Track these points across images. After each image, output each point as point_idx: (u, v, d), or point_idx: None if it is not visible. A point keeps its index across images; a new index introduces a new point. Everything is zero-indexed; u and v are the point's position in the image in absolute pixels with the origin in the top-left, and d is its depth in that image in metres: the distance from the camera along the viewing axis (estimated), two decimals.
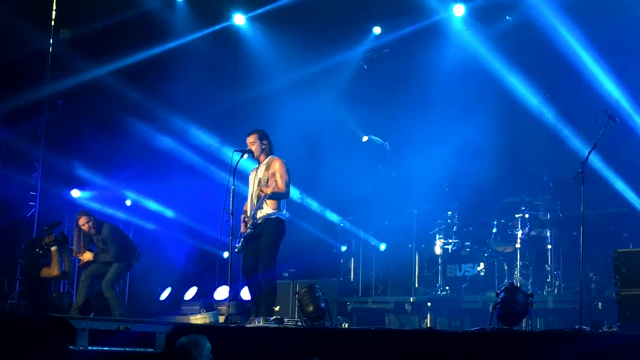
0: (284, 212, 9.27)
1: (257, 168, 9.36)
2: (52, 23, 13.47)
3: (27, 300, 11.05)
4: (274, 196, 9.03)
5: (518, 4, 12.50)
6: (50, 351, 7.07)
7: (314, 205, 13.92)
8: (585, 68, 11.84)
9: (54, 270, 10.25)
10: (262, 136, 9.38)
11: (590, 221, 10.54)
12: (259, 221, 9.09)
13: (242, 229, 9.23)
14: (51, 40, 13.47)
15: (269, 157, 9.35)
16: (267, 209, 9.09)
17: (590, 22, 11.89)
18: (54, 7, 13.41)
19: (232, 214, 9.10)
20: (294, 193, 12.77)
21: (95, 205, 14.57)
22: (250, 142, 9.35)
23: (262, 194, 9.00)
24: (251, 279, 9.16)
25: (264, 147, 9.35)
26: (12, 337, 7.27)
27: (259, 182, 9.18)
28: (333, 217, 14.12)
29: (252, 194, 9.28)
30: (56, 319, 7.29)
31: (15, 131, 13.49)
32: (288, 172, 9.22)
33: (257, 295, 9.16)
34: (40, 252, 10.25)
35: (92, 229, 10.92)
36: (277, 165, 9.20)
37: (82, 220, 10.87)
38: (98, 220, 11.14)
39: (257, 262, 9.11)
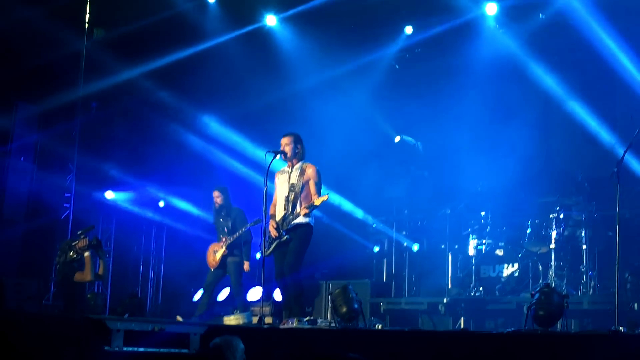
0: (313, 219, 9.32)
1: (289, 172, 9.34)
2: (86, 25, 13.57)
3: (62, 302, 11.16)
4: (315, 207, 9.06)
5: (551, 2, 12.41)
6: (87, 352, 7.14)
7: (347, 205, 13.90)
8: (620, 66, 11.72)
9: (87, 276, 10.32)
10: (297, 140, 9.39)
11: (626, 221, 10.41)
12: (291, 227, 9.12)
13: (274, 233, 9.24)
14: (85, 42, 13.56)
15: (302, 162, 9.36)
16: (301, 217, 9.12)
17: (625, 20, 11.76)
18: (88, 9, 13.51)
19: (264, 215, 9.16)
20: (335, 198, 12.81)
21: (128, 207, 14.72)
22: (285, 144, 9.35)
23: (305, 210, 8.99)
24: (282, 280, 9.21)
25: (297, 150, 9.36)
26: (48, 338, 7.35)
27: (292, 186, 9.19)
28: (366, 217, 14.09)
29: (285, 197, 9.26)
30: (92, 320, 7.37)
31: (50, 133, 13.63)
32: (321, 179, 9.31)
33: (287, 297, 9.22)
34: (75, 256, 10.33)
35: None
36: (311, 173, 9.25)
37: None
38: None
39: (285, 265, 9.17)
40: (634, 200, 11.50)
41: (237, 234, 11.60)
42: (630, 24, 11.77)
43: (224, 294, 13.25)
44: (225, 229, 11.70)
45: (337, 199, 13.64)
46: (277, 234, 9.21)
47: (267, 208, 9.22)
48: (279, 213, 9.30)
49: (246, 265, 11.68)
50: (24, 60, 12.90)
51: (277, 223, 9.26)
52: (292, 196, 9.17)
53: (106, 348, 7.14)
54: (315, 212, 9.35)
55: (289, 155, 9.32)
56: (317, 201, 9.00)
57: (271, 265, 9.58)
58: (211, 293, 11.73)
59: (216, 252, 11.66)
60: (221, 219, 11.81)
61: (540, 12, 12.74)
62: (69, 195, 13.59)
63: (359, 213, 14.07)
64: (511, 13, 12.99)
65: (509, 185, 12.69)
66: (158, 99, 14.44)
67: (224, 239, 11.67)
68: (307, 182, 9.19)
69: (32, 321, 7.81)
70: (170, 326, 7.94)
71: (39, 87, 13.36)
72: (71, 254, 10.34)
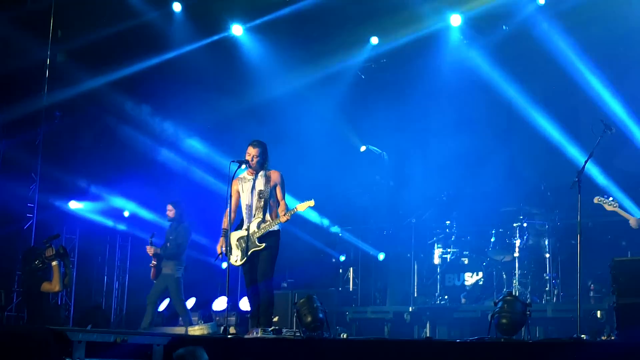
0: (280, 224, 9.29)
1: (253, 179, 9.29)
2: (50, 34, 13.46)
3: (25, 313, 11.03)
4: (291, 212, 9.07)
5: (514, 13, 12.55)
6: None
7: (312, 215, 13.90)
8: (582, 77, 11.88)
9: (55, 286, 10.20)
10: (264, 150, 9.36)
11: (588, 230, 10.55)
12: (264, 234, 9.10)
13: (218, 250, 9.24)
14: (49, 51, 13.46)
15: (267, 169, 9.34)
16: (270, 223, 9.10)
17: (587, 32, 11.92)
18: (52, 19, 13.40)
19: (229, 223, 9.17)
20: (308, 212, 12.80)
21: (92, 217, 14.58)
22: (252, 153, 9.30)
23: (287, 217, 9.00)
24: (253, 288, 9.17)
25: (263, 159, 9.33)
26: (9, 350, 7.26)
27: (260, 193, 9.16)
28: (332, 227, 14.10)
29: (248, 205, 9.23)
30: (53, 331, 7.29)
31: (13, 143, 13.46)
32: (284, 184, 9.30)
33: (256, 306, 9.17)
34: (40, 265, 10.20)
35: None
36: (277, 178, 9.26)
37: None
38: None
39: (258, 273, 9.13)
40: (596, 210, 11.63)
41: (165, 246, 11.63)
42: (591, 35, 11.92)
43: (189, 304, 13.20)
44: (165, 240, 11.74)
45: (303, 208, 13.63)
46: (220, 252, 9.20)
47: (230, 217, 9.23)
48: (245, 221, 9.25)
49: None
50: None
51: (229, 235, 9.22)
52: (262, 203, 9.14)
53: None
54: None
55: (254, 164, 9.27)
56: (302, 207, 9.05)
57: (235, 275, 9.54)
58: (154, 306, 11.64)
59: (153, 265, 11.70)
60: (169, 231, 11.84)
61: (504, 23, 12.88)
62: (32, 205, 13.44)
63: (325, 222, 14.08)
64: (475, 24, 13.11)
65: (474, 195, 12.80)
66: (123, 109, 14.34)
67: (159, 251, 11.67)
68: (274, 187, 9.22)
69: None
70: (133, 337, 7.87)
71: (2, 95, 13.21)
72: (36, 262, 10.21)
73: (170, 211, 11.82)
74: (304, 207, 9.08)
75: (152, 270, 11.68)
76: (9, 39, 12.61)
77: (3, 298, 11.25)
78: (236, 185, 9.34)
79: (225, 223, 9.33)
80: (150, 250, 11.65)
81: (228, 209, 9.34)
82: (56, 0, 13.37)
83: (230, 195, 9.26)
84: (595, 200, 9.82)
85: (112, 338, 7.56)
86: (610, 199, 9.90)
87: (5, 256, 12.92)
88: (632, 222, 9.91)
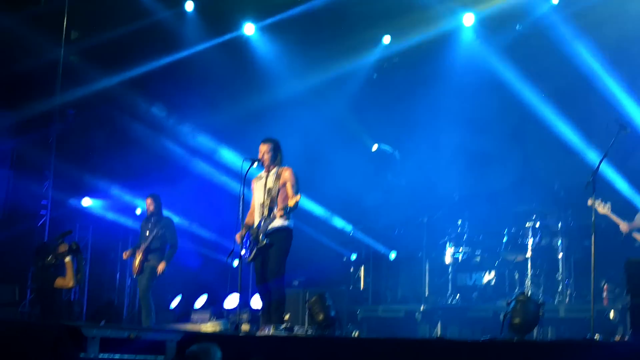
0: (292, 222, 9.23)
1: (266, 177, 9.29)
2: (64, 33, 13.52)
3: (39, 309, 11.07)
4: (291, 210, 8.98)
5: (527, 13, 12.52)
6: (63, 359, 7.10)
7: (324, 213, 13.92)
8: (596, 77, 11.83)
9: (69, 282, 10.24)
10: (276, 146, 9.31)
11: (602, 230, 10.49)
12: (270, 231, 9.06)
13: (238, 240, 9.16)
14: (62, 49, 13.51)
15: (279, 166, 9.30)
16: (278, 220, 9.03)
17: (601, 31, 11.87)
18: (65, 17, 13.46)
19: (241, 222, 9.14)
20: (320, 210, 12.81)
21: (105, 214, 14.65)
22: (264, 151, 9.29)
23: (281, 212, 8.92)
24: (263, 287, 9.15)
25: (275, 156, 9.31)
26: (24, 345, 7.30)
27: (269, 191, 9.12)
28: (343, 225, 14.11)
29: (261, 203, 9.21)
30: (67, 327, 7.32)
31: (27, 141, 13.55)
32: (298, 181, 9.17)
33: (267, 304, 9.15)
34: (53, 261, 10.24)
35: None
36: (287, 175, 9.13)
37: None
38: None
39: (267, 271, 9.09)
40: None
41: (151, 238, 11.51)
42: (605, 34, 11.88)
43: (201, 301, 13.24)
44: (147, 234, 11.62)
45: (314, 206, 13.66)
46: (240, 242, 9.16)
47: (244, 216, 9.19)
48: (256, 220, 9.25)
49: (160, 266, 11.52)
50: (0, 68, 12.83)
51: (249, 232, 9.20)
52: (269, 200, 9.08)
53: (82, 355, 7.10)
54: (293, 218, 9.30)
55: (266, 162, 9.26)
56: (291, 202, 8.84)
57: (247, 272, 9.54)
58: (149, 301, 11.56)
59: (136, 259, 11.60)
60: (149, 225, 11.72)
61: (517, 23, 12.86)
62: (46, 202, 13.51)
63: (336, 221, 14.09)
64: (488, 24, 13.07)
65: (486, 194, 12.78)
66: (135, 107, 14.39)
67: (142, 245, 11.56)
68: (284, 184, 9.09)
69: (7, 328, 7.75)
70: (147, 333, 7.90)
71: (16, 94, 13.29)
72: (49, 258, 10.26)
73: (151, 205, 11.72)
74: (292, 203, 8.93)
75: (137, 266, 11.50)
76: (23, 38, 12.67)
77: (17, 294, 11.31)
78: (253, 184, 9.35)
79: (247, 218, 9.31)
80: (126, 254, 11.62)
81: (250, 209, 9.32)
82: (69, 0, 13.43)
83: (243, 194, 9.20)
84: (589, 202, 9.81)
85: (125, 334, 7.59)
86: (603, 202, 9.97)
87: (19, 253, 12.99)
88: (623, 227, 9.98)
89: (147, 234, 11.60)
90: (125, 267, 15.16)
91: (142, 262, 11.50)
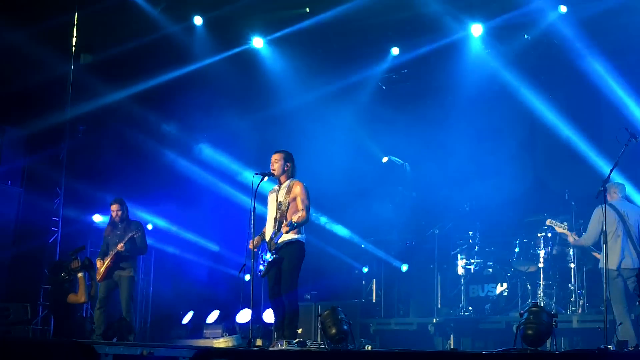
0: (304, 235, 9.19)
1: (278, 190, 9.29)
2: (73, 48, 13.57)
3: (52, 326, 11.04)
4: (298, 225, 8.95)
5: (535, 22, 12.50)
6: None
7: (335, 227, 13.90)
8: (606, 85, 11.81)
9: (81, 297, 10.24)
10: (287, 157, 9.29)
11: None
12: (280, 245, 9.03)
13: (251, 246, 9.12)
14: (72, 65, 13.56)
15: (291, 180, 9.28)
16: (289, 233, 9.00)
17: (609, 40, 11.87)
18: (75, 33, 13.52)
19: (252, 236, 9.12)
20: (320, 219, 12.78)
21: None
22: (274, 161, 9.25)
23: (286, 228, 8.88)
24: (275, 301, 9.11)
25: (286, 168, 9.25)
26: None
27: (279, 205, 9.10)
28: (354, 238, 14.08)
29: (273, 217, 9.18)
30: (80, 344, 7.32)
31: (38, 157, 13.56)
32: (309, 196, 9.12)
33: (280, 318, 9.11)
34: (66, 277, 10.25)
35: None
36: (298, 190, 9.09)
37: None
38: None
39: (280, 286, 9.06)
40: None
41: (123, 243, 11.02)
42: (614, 43, 11.87)
43: (213, 316, 13.21)
44: (117, 241, 11.17)
45: (325, 220, 13.66)
46: (253, 249, 9.12)
47: (254, 230, 9.16)
48: (268, 233, 9.23)
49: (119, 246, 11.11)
50: (11, 84, 12.86)
51: (265, 243, 9.16)
52: (279, 214, 9.06)
53: None
54: (305, 231, 9.25)
55: (277, 173, 9.24)
56: (295, 218, 8.83)
57: (259, 287, 9.51)
58: (106, 308, 11.06)
59: (103, 266, 11.10)
60: (118, 232, 11.29)
61: (525, 32, 12.85)
62: (57, 219, 13.52)
63: (347, 234, 14.07)
64: (496, 34, 13.07)
65: (497, 205, 12.73)
66: (145, 122, 14.43)
67: (111, 252, 11.30)
68: (294, 199, 9.07)
69: (19, 346, 7.75)
70: (159, 350, 7.88)
71: (26, 110, 13.31)
72: (62, 275, 10.26)
73: (119, 210, 11.31)
74: (296, 219, 8.87)
75: (103, 272, 11.03)
76: (32, 54, 12.68)
77: (29, 312, 11.29)
78: (268, 198, 9.33)
79: (263, 231, 9.26)
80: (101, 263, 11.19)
81: (267, 222, 9.30)
82: (79, 15, 13.48)
83: (254, 208, 9.15)
84: (547, 222, 10.06)
85: (138, 351, 7.57)
86: (559, 222, 10.11)
87: (30, 270, 13.00)
88: (570, 238, 10.04)
89: (117, 240, 11.19)
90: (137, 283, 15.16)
91: (109, 268, 11.07)
